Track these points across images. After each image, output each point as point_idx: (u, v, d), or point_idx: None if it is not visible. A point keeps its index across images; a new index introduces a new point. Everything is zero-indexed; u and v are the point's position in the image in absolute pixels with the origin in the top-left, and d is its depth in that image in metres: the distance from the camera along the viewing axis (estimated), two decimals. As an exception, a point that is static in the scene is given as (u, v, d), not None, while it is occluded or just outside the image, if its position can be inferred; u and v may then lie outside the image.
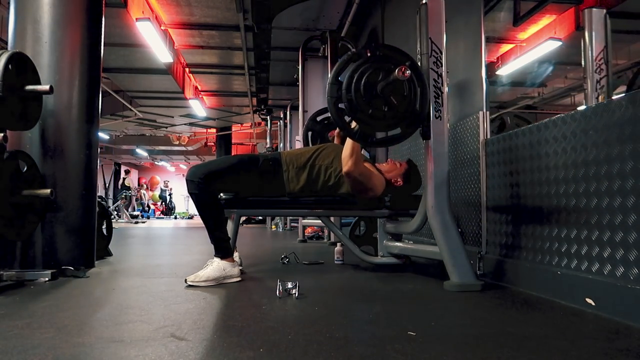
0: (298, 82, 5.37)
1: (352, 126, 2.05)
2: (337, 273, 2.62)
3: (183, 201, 20.33)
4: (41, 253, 2.44)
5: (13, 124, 2.19)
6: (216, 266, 2.18)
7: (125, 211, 11.78)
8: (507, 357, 1.13)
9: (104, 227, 3.22)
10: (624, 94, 1.60)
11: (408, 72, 1.87)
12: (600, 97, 2.84)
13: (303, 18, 5.62)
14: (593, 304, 1.61)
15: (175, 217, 16.03)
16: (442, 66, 2.13)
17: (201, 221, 2.34)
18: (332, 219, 3.00)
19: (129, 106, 10.54)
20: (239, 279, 2.25)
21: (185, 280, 2.11)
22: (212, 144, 16.54)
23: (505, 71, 7.21)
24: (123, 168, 19.89)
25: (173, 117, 12.66)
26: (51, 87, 2.23)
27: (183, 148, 17.15)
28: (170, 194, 18.41)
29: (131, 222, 10.69)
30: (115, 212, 11.64)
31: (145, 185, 18.17)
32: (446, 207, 2.10)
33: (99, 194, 3.25)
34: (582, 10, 3.12)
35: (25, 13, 2.54)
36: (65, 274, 2.35)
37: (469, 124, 2.56)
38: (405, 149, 3.65)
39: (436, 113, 2.12)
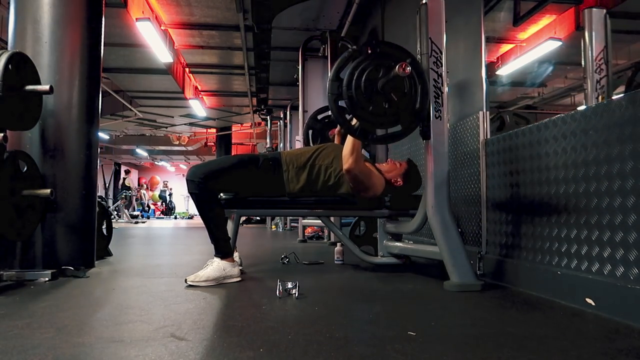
0: (298, 82, 5.37)
1: (353, 123, 2.05)
2: (337, 273, 2.62)
3: (183, 201, 20.33)
4: (41, 253, 2.44)
5: (13, 124, 2.19)
6: (216, 266, 2.18)
7: (125, 211, 11.78)
8: (507, 357, 1.13)
9: (104, 227, 3.22)
10: (624, 94, 1.60)
11: (408, 68, 1.88)
12: (600, 97, 2.84)
13: (303, 18, 5.62)
14: (593, 304, 1.61)
15: (175, 217, 16.03)
16: (442, 66, 2.13)
17: (201, 221, 2.34)
18: (332, 219, 3.00)
19: (129, 106, 10.54)
20: (239, 279, 2.25)
21: (185, 280, 2.11)
22: (212, 144, 16.54)
23: (505, 71, 7.21)
24: (123, 168, 19.88)
25: (173, 117, 12.67)
26: (51, 87, 2.23)
27: (183, 148, 17.15)
28: (170, 194, 18.42)
29: (131, 222, 10.68)
30: (115, 212, 11.64)
31: (145, 185, 18.17)
32: (446, 207, 2.10)
33: (99, 194, 3.25)
34: (582, 10, 3.12)
35: (25, 13, 2.54)
36: (65, 274, 2.35)
37: (469, 124, 2.56)
38: (405, 149, 3.65)
39: (436, 113, 2.12)
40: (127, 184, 15.57)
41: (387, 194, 2.53)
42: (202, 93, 10.46)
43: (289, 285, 1.87)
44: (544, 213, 1.93)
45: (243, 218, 6.03)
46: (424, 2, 2.14)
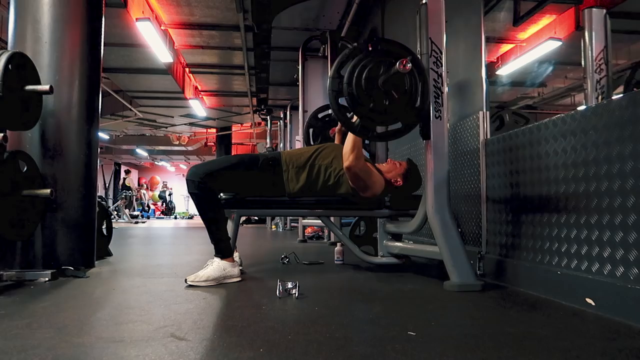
0: (298, 82, 5.37)
1: (353, 120, 2.05)
2: (337, 273, 2.62)
3: (183, 201, 20.33)
4: (41, 253, 2.44)
5: (13, 124, 2.19)
6: (216, 266, 2.18)
7: (126, 211, 11.77)
8: (507, 357, 1.13)
9: (104, 227, 3.22)
10: (624, 94, 1.60)
11: (409, 65, 1.87)
12: (600, 97, 2.84)
13: (303, 18, 5.62)
14: (593, 304, 1.61)
15: (175, 217, 16.03)
16: (442, 66, 2.13)
17: (201, 221, 2.34)
18: (332, 219, 3.00)
19: (129, 106, 10.54)
20: (239, 279, 2.25)
21: (186, 280, 2.11)
22: (212, 144, 16.54)
23: (505, 71, 7.21)
24: (123, 168, 19.88)
25: (173, 117, 12.67)
26: (51, 87, 2.23)
27: (183, 148, 17.15)
28: (170, 194, 18.42)
29: (131, 222, 10.69)
30: (115, 212, 11.64)
31: (145, 185, 18.16)
32: (446, 207, 2.10)
33: (99, 194, 3.25)
34: (582, 10, 3.11)
35: (25, 13, 2.54)
36: (65, 274, 2.35)
37: (469, 123, 2.56)
38: (405, 149, 3.65)
39: (436, 113, 2.12)
40: (127, 184, 15.55)
41: (387, 193, 2.53)
42: (202, 93, 10.46)
43: (289, 285, 1.87)
44: (544, 213, 1.93)
45: (243, 218, 6.03)
46: (424, 2, 2.14)
